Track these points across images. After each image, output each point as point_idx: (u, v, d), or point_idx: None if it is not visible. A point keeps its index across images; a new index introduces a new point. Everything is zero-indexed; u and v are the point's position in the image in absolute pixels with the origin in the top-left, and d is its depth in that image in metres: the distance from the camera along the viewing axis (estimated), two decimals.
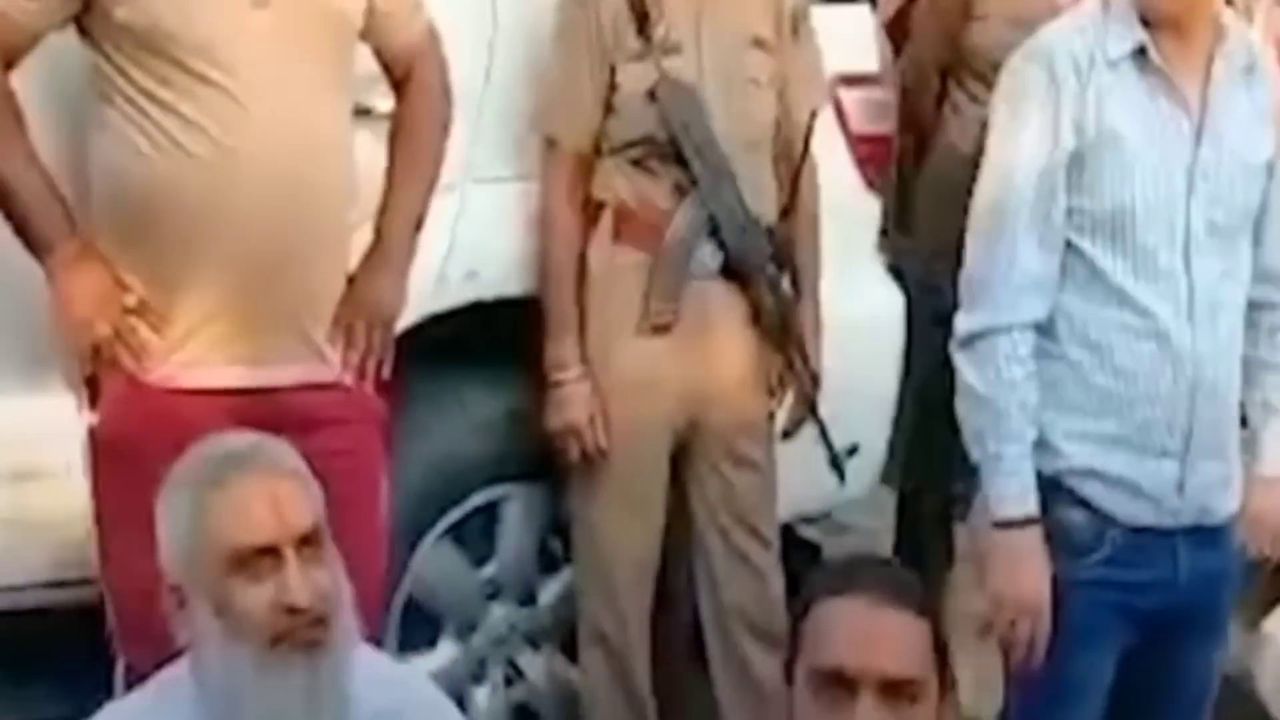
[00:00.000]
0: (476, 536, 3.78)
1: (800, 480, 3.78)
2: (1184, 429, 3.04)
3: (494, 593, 3.83)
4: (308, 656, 2.39)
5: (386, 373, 3.25)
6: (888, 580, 2.37)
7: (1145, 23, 2.99)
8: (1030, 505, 3.04)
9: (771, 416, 3.75)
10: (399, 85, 3.27)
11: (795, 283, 3.69)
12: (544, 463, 3.71)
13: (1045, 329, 3.06)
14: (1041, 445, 3.06)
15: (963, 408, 3.11)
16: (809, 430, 3.74)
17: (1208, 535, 3.11)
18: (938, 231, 4.25)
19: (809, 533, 4.70)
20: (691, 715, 3.94)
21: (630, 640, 3.72)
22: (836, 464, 3.74)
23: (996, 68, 3.54)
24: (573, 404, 3.58)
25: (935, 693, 2.30)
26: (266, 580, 2.36)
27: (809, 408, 3.71)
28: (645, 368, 3.58)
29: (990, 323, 3.04)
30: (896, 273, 4.27)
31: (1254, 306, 3.17)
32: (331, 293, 3.16)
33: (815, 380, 3.69)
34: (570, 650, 3.86)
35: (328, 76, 3.09)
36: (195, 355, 3.04)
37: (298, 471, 2.46)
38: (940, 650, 2.32)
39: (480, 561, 3.81)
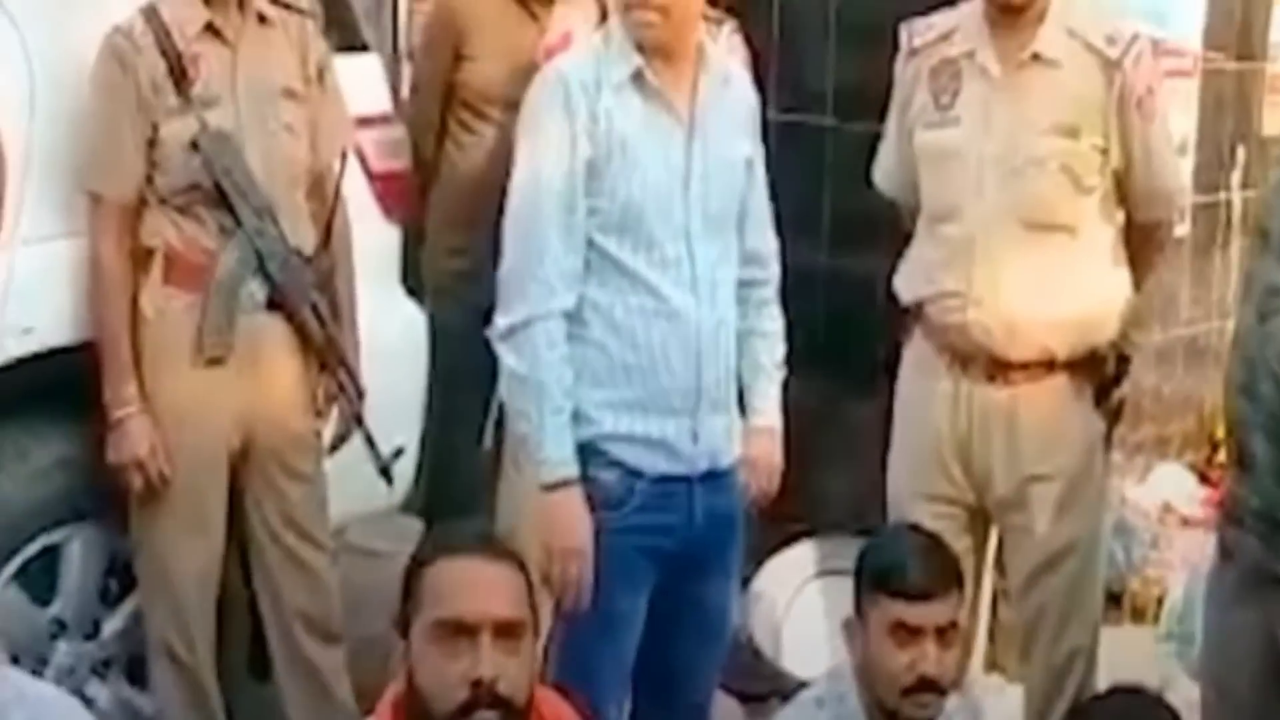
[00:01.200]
0: (39, 577, 3.91)
1: (353, 487, 4.11)
2: (694, 390, 3.55)
3: (59, 630, 3.97)
4: None
5: None
6: (486, 540, 2.79)
7: (641, 50, 3.46)
8: (572, 468, 3.48)
9: (319, 433, 4.05)
10: None
11: (334, 309, 3.97)
12: (100, 503, 3.91)
13: (575, 317, 3.50)
14: (577, 416, 3.50)
15: (508, 391, 3.55)
16: (357, 441, 4.05)
17: (717, 480, 3.64)
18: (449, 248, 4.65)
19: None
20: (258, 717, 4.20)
21: (198, 654, 3.94)
22: (385, 470, 4.07)
23: (489, 100, 3.90)
24: (134, 438, 3.77)
25: (533, 629, 2.71)
26: None
27: (356, 421, 4.02)
28: (201, 399, 3.82)
29: (528, 314, 3.47)
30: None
31: (743, 284, 3.71)
32: None
33: (360, 395, 4.00)
34: (133, 677, 4.07)
35: None
36: None
37: None
38: (531, 595, 2.72)
39: (44, 601, 3.94)
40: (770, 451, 3.79)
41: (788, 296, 3.87)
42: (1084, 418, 3.98)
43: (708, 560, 3.68)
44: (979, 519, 4.04)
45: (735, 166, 3.63)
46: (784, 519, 4.17)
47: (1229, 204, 5.73)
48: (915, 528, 3.61)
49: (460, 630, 2.62)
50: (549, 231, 3.46)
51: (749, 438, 3.75)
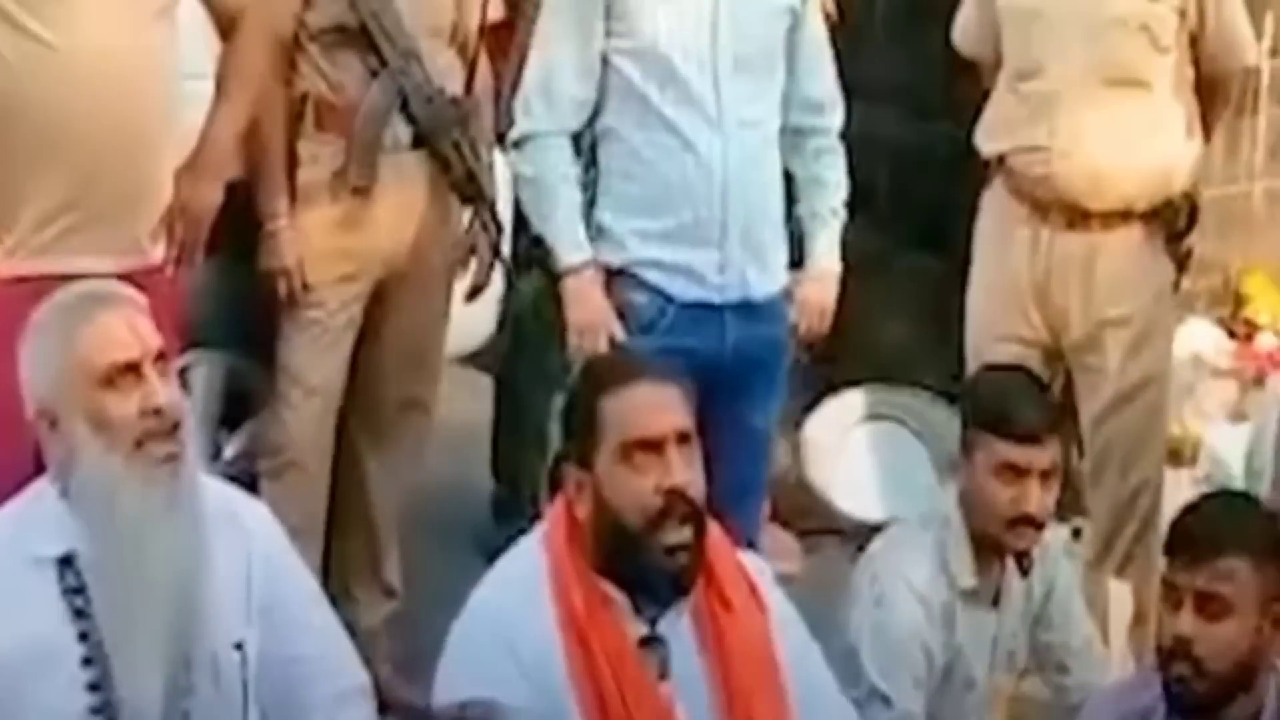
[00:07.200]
0: None
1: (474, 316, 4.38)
2: (719, 225, 3.76)
3: None
4: (170, 466, 2.78)
5: (191, 264, 3.65)
6: (653, 363, 3.02)
7: None
8: (585, 252, 3.76)
9: (455, 271, 4.22)
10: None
11: (476, 149, 4.10)
12: (222, 332, 4.14)
13: (605, 148, 3.76)
14: (609, 241, 3.76)
15: (523, 195, 3.84)
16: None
17: (752, 309, 3.83)
18: None
19: None
20: None
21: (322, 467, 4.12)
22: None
23: None
24: (283, 248, 3.95)
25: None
26: (132, 393, 2.75)
27: (495, 254, 4.22)
28: (345, 227, 3.98)
29: (532, 129, 3.76)
30: None
31: (799, 133, 3.92)
32: (158, 189, 3.55)
33: (500, 230, 4.20)
34: None
35: None
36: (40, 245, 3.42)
37: (143, 307, 2.87)
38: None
39: None
40: (822, 293, 3.96)
41: (850, 150, 4.03)
42: (1156, 263, 4.22)
43: (747, 385, 3.84)
44: (1054, 360, 4.23)
45: (773, 9, 3.80)
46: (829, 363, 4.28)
47: (1258, 71, 5.94)
48: (1024, 370, 3.75)
49: (649, 447, 2.82)
50: (562, 56, 3.72)
51: (803, 280, 3.94)
